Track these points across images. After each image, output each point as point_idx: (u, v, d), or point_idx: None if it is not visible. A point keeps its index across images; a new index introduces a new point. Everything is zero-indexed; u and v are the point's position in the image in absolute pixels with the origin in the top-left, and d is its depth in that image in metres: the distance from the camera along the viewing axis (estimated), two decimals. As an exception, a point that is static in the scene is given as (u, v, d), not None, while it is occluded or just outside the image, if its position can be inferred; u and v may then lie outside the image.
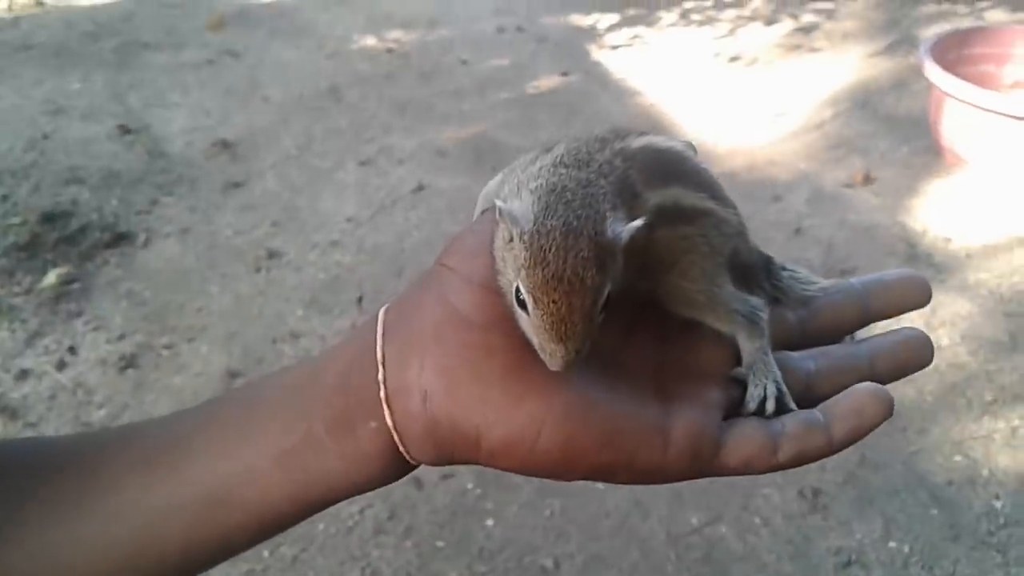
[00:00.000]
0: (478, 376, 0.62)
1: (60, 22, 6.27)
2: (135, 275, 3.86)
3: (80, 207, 4.26)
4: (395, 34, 6.22)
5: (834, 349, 0.76)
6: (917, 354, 0.76)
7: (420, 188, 4.48)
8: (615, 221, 0.61)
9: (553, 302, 0.59)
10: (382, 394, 0.63)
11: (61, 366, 3.33)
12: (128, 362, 3.37)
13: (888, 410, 0.67)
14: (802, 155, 4.70)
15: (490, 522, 2.75)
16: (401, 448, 0.64)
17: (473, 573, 2.62)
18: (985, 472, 2.91)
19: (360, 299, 3.75)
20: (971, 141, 4.28)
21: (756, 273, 0.78)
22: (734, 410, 0.70)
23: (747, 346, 0.71)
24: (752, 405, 0.69)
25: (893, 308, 0.78)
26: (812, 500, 2.83)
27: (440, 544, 2.69)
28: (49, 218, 4.13)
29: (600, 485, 2.85)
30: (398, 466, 0.66)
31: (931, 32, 5.00)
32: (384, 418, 0.63)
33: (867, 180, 4.41)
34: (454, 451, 0.63)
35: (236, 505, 0.65)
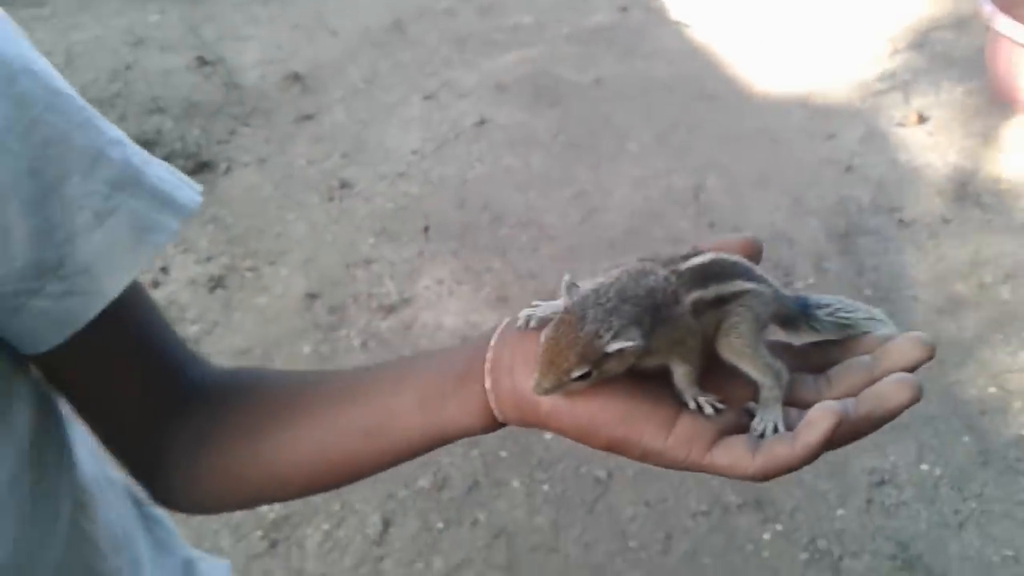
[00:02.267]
0: (569, 395, 0.86)
1: (134, -46, 6.48)
2: (218, 202, 4.12)
3: (164, 136, 4.52)
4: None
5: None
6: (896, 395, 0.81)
7: (481, 122, 4.65)
8: (621, 332, 0.84)
9: (537, 355, 0.85)
10: (487, 366, 0.88)
11: (155, 285, 3.62)
12: (216, 282, 3.66)
13: (836, 416, 0.76)
14: (857, 93, 4.78)
15: (548, 436, 3.00)
16: (494, 407, 0.88)
17: (533, 480, 2.88)
18: (1018, 404, 3.09)
19: (427, 228, 3.98)
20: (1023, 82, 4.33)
21: (796, 318, 0.97)
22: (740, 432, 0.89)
23: (765, 392, 0.89)
24: (756, 431, 0.87)
25: (896, 369, 0.84)
26: (850, 424, 3.02)
27: (503, 454, 2.96)
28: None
29: (652, 405, 3.07)
30: (492, 421, 0.89)
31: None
32: (485, 381, 0.88)
33: (921, 119, 4.50)
34: (524, 412, 0.86)
35: (388, 434, 0.91)
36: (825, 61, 5.07)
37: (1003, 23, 4.19)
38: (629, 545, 2.72)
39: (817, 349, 0.96)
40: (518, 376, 0.87)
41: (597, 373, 0.86)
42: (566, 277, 0.97)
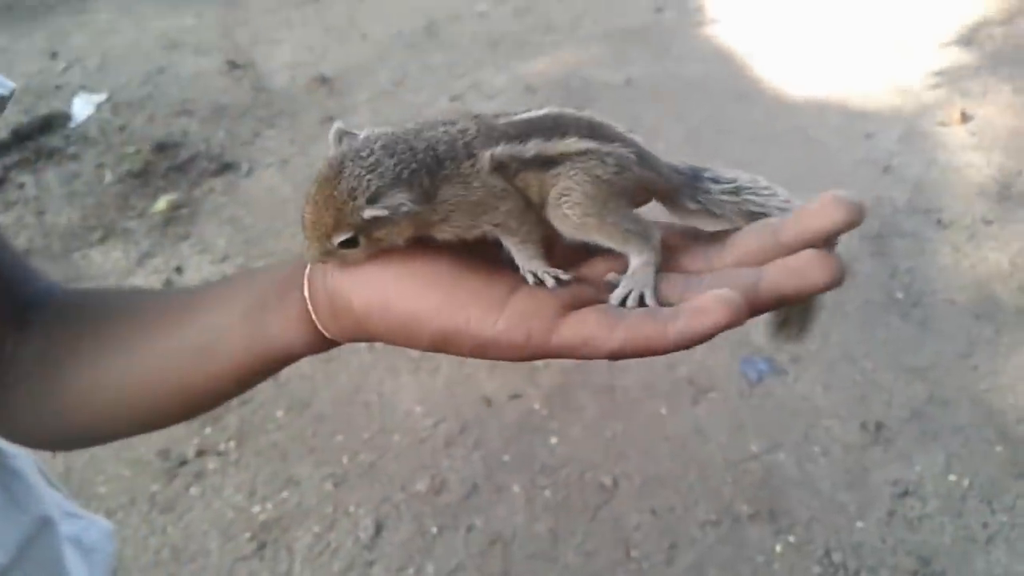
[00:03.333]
0: (344, 265, 0.77)
1: (176, -39, 6.56)
2: (238, 202, 4.11)
3: (189, 138, 4.53)
4: (494, -29, 6.28)
5: (729, 270, 0.75)
6: (810, 273, 0.69)
7: (509, 123, 4.57)
8: (381, 195, 0.73)
9: (302, 215, 0.76)
10: (306, 270, 0.79)
11: (169, 285, 3.60)
12: (228, 282, 3.62)
13: (734, 313, 0.66)
14: (899, 92, 4.60)
15: (554, 440, 2.90)
16: (312, 312, 0.79)
17: (535, 486, 2.77)
18: (1057, 413, 2.90)
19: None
20: (1078, 78, 4.12)
21: (679, 192, 0.84)
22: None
23: (634, 261, 0.77)
24: (614, 300, 0.74)
25: (808, 233, 0.71)
26: (875, 433, 2.86)
27: (506, 458, 2.85)
28: (161, 148, 4.41)
29: (663, 410, 2.95)
30: (314, 333, 0.80)
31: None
32: (304, 287, 0.79)
33: (964, 118, 4.30)
34: (340, 316, 0.77)
35: (215, 353, 0.83)
36: (866, 60, 4.89)
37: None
38: (631, 555, 2.60)
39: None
40: (332, 275, 0.78)
41: (367, 241, 0.76)
42: (337, 124, 0.84)
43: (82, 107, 4.75)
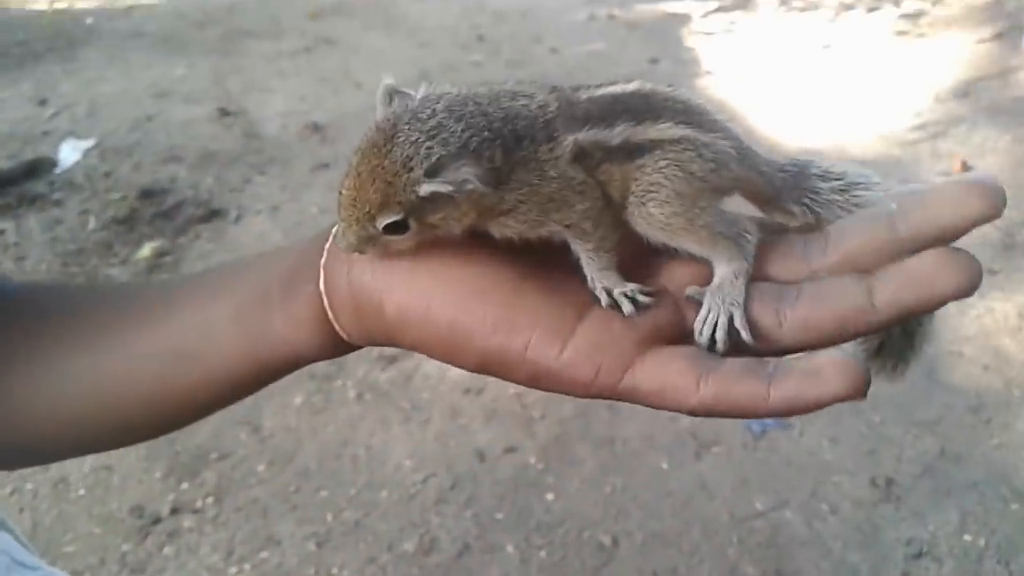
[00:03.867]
0: (384, 256, 0.65)
1: (170, 12, 6.55)
2: (226, 249, 4.00)
3: (177, 184, 4.44)
4: (486, 24, 6.27)
5: (834, 281, 0.62)
6: (940, 279, 0.56)
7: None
8: (443, 165, 0.60)
9: (340, 191, 0.63)
10: (323, 260, 0.66)
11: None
12: (212, 330, 3.50)
13: (855, 387, 0.56)
14: (898, 143, 4.55)
15: (550, 496, 2.76)
16: (328, 311, 0.66)
17: (531, 545, 2.63)
18: (1073, 469, 2.78)
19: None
20: (1078, 129, 4.08)
21: (783, 195, 0.71)
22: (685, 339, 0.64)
23: (722, 269, 0.65)
24: (699, 331, 0.63)
25: (934, 227, 0.58)
26: (885, 489, 2.74)
27: (499, 516, 2.71)
28: (147, 194, 4.32)
29: (664, 464, 2.83)
30: (328, 335, 0.67)
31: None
32: (319, 281, 0.66)
33: (965, 168, 4.24)
34: (367, 317, 0.64)
35: (199, 357, 0.70)
36: (863, 112, 4.86)
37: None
38: (632, 619, 2.45)
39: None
40: (357, 267, 0.64)
41: (419, 226, 0.61)
42: (387, 80, 0.67)
43: (69, 153, 4.66)
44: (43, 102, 5.17)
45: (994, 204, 0.56)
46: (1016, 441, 2.88)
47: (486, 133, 0.62)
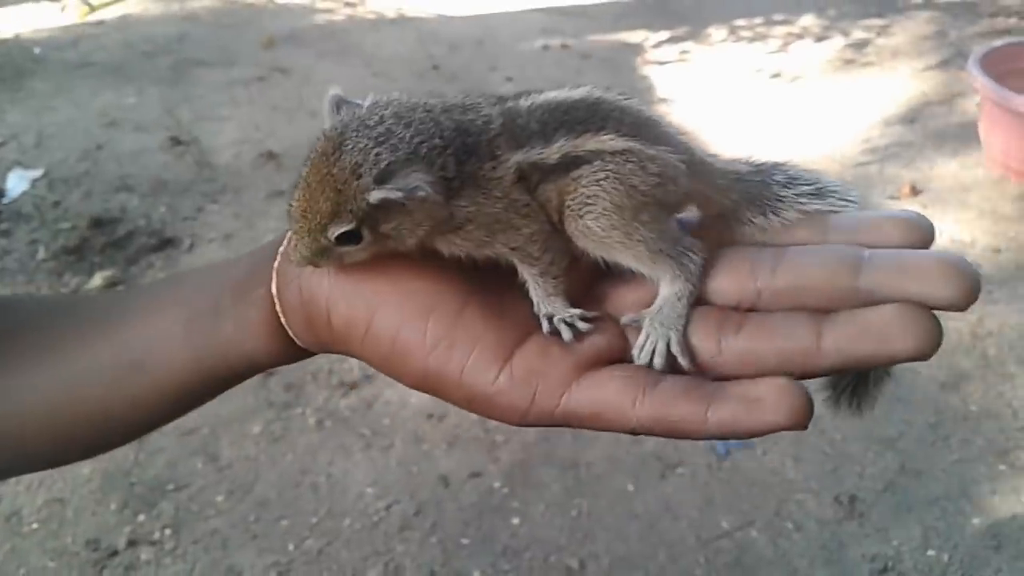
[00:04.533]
0: (338, 270, 0.63)
1: (118, 42, 6.45)
2: (178, 278, 3.93)
3: (128, 213, 4.35)
4: (441, 53, 6.28)
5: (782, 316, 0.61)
6: (895, 338, 0.54)
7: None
8: (395, 171, 0.58)
9: (289, 203, 0.62)
10: (276, 264, 0.65)
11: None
12: (166, 359, 3.42)
13: (796, 417, 0.54)
14: (849, 169, 4.63)
15: (516, 520, 2.73)
16: (281, 315, 0.65)
17: (497, 571, 2.59)
18: (1031, 482, 2.82)
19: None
20: (1018, 153, 4.18)
21: (735, 207, 0.70)
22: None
23: (664, 291, 0.63)
24: (637, 355, 0.61)
25: (900, 293, 0.56)
26: (848, 506, 2.75)
27: (465, 541, 2.67)
28: (98, 223, 4.23)
29: (630, 486, 2.81)
30: (281, 340, 0.66)
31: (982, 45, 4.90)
32: (271, 284, 0.65)
33: (914, 192, 4.33)
34: (316, 326, 0.63)
35: (148, 369, 0.67)
36: (813, 138, 4.94)
37: (995, 93, 4.06)
38: (602, 643, 2.42)
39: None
40: (307, 274, 0.63)
41: (372, 236, 0.60)
42: (334, 90, 0.68)
43: (16, 183, 4.56)
44: (-11, 131, 5.06)
45: (968, 296, 0.54)
46: (975, 456, 2.91)
47: (437, 140, 0.61)
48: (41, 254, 4.03)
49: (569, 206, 0.64)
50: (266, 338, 0.66)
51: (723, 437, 0.55)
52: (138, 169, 4.75)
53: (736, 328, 0.59)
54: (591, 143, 0.64)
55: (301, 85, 5.83)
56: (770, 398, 0.54)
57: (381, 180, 0.58)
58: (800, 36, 6.32)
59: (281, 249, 0.66)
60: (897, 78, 5.52)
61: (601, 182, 0.63)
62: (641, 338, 0.61)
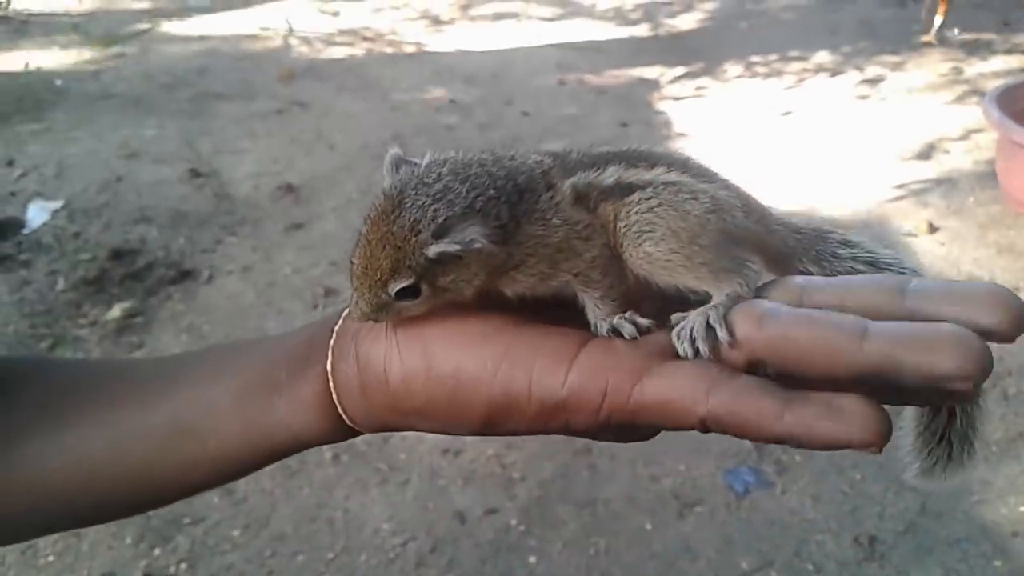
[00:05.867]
0: (395, 324, 0.64)
1: (139, 75, 6.54)
2: (196, 310, 3.95)
3: (148, 245, 4.39)
4: (458, 87, 6.34)
5: (823, 312, 0.59)
6: (942, 352, 0.51)
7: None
8: (451, 227, 0.60)
9: (351, 260, 0.64)
10: (331, 341, 0.65)
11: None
12: (184, 392, 3.43)
13: (878, 435, 0.52)
14: (864, 203, 4.63)
15: (533, 559, 2.71)
16: (333, 392, 0.65)
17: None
18: (1053, 525, 2.78)
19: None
20: (1039, 190, 4.19)
21: (790, 254, 0.70)
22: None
23: (716, 295, 0.63)
24: (677, 335, 0.60)
25: (949, 316, 0.54)
26: (868, 548, 2.72)
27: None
28: (117, 255, 4.26)
29: (648, 525, 2.79)
30: (331, 418, 0.66)
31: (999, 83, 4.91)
32: (327, 360, 0.65)
33: (931, 229, 4.32)
34: (373, 393, 0.63)
35: (194, 436, 0.67)
36: (829, 175, 4.94)
37: (1012, 130, 4.07)
38: None
39: None
40: (364, 341, 0.63)
41: (431, 290, 0.62)
42: (392, 150, 0.70)
43: (37, 214, 4.60)
44: (10, 163, 5.11)
45: (1016, 326, 0.53)
46: (995, 497, 2.88)
47: (491, 192, 0.62)
48: (60, 285, 4.05)
49: (626, 234, 0.65)
50: (317, 416, 0.66)
51: (792, 442, 0.53)
52: (157, 201, 4.79)
53: (778, 313, 0.58)
54: (645, 174, 0.66)
55: (320, 118, 5.88)
56: (854, 411, 0.52)
57: (439, 235, 0.60)
58: (815, 72, 6.35)
59: (337, 327, 0.67)
60: (912, 115, 5.53)
61: (655, 208, 0.65)
62: (682, 321, 0.61)
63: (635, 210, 0.65)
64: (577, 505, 2.87)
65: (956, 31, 6.63)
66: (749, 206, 0.70)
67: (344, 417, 0.66)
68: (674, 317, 0.64)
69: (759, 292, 0.64)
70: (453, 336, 0.60)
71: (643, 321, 0.63)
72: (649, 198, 0.65)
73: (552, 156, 0.68)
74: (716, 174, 0.71)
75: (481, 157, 0.66)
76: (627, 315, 0.63)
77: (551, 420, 0.59)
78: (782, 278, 0.64)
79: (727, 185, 0.70)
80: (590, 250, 0.65)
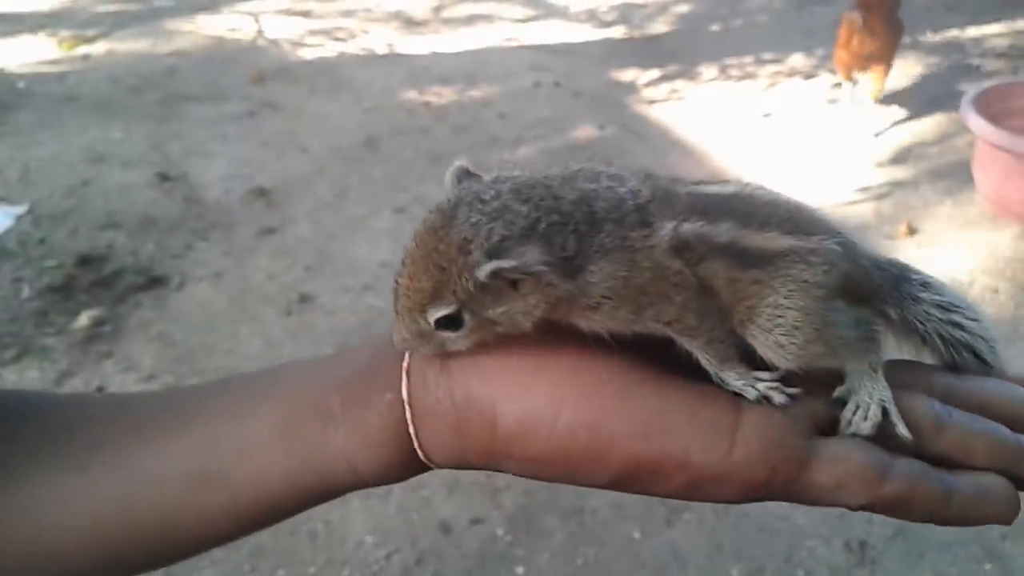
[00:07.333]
0: (500, 347, 0.55)
1: (105, 77, 6.39)
2: (167, 317, 3.84)
3: (116, 251, 4.27)
4: (433, 89, 6.27)
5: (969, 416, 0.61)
6: None
7: (454, 236, 4.44)
8: (506, 247, 0.52)
9: (397, 279, 0.56)
10: (405, 363, 0.56)
11: (89, 405, 3.29)
12: (156, 402, 3.33)
13: (1013, 517, 0.56)
14: (843, 206, 4.62)
15: (520, 570, 2.65)
16: (410, 424, 0.56)
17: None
18: (1043, 528, 2.77)
19: (391, 343, 3.69)
20: (1015, 192, 4.18)
21: (875, 293, 0.68)
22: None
23: (853, 366, 0.61)
24: (848, 419, 0.59)
25: None
26: (859, 553, 2.69)
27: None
28: (85, 261, 4.15)
29: (636, 533, 2.74)
30: (405, 455, 0.57)
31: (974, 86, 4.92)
32: (400, 389, 0.56)
33: (911, 231, 4.31)
34: (470, 432, 0.55)
35: (226, 483, 0.58)
36: (806, 176, 4.93)
37: (989, 133, 4.07)
38: None
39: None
40: (457, 371, 0.55)
41: (475, 321, 0.54)
42: (458, 161, 0.59)
43: (0, 220, 4.47)
44: (-28, 167, 4.98)
45: None
46: (984, 500, 2.86)
47: (556, 216, 0.54)
48: (26, 292, 3.93)
49: (754, 319, 0.60)
50: (382, 450, 0.57)
51: (955, 524, 0.55)
52: (125, 206, 4.68)
53: (948, 413, 0.58)
54: (759, 240, 0.60)
55: (292, 121, 5.79)
56: (999, 491, 0.54)
57: (491, 255, 0.52)
58: (789, 75, 6.34)
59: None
60: (888, 116, 5.53)
61: (781, 290, 0.60)
62: (851, 405, 0.59)
63: (762, 290, 0.60)
64: (564, 514, 2.81)
65: (929, 34, 6.67)
66: (844, 244, 0.65)
67: (419, 452, 0.57)
68: (839, 391, 0.61)
69: (895, 373, 0.63)
70: (585, 384, 0.53)
71: (791, 389, 0.58)
72: (773, 278, 0.60)
73: (653, 187, 0.60)
74: (813, 214, 0.67)
75: (549, 175, 0.58)
76: (771, 381, 0.58)
77: (698, 489, 0.54)
78: (921, 370, 0.65)
79: (824, 226, 0.65)
80: (680, 294, 0.57)
